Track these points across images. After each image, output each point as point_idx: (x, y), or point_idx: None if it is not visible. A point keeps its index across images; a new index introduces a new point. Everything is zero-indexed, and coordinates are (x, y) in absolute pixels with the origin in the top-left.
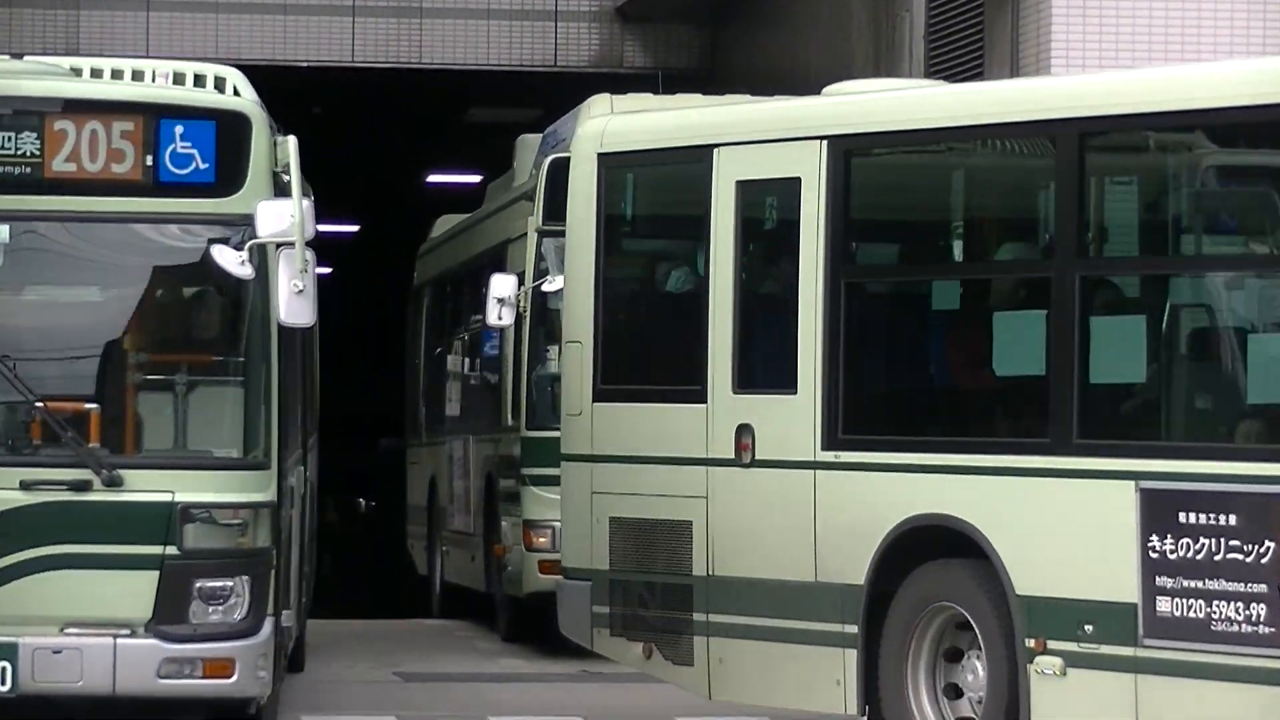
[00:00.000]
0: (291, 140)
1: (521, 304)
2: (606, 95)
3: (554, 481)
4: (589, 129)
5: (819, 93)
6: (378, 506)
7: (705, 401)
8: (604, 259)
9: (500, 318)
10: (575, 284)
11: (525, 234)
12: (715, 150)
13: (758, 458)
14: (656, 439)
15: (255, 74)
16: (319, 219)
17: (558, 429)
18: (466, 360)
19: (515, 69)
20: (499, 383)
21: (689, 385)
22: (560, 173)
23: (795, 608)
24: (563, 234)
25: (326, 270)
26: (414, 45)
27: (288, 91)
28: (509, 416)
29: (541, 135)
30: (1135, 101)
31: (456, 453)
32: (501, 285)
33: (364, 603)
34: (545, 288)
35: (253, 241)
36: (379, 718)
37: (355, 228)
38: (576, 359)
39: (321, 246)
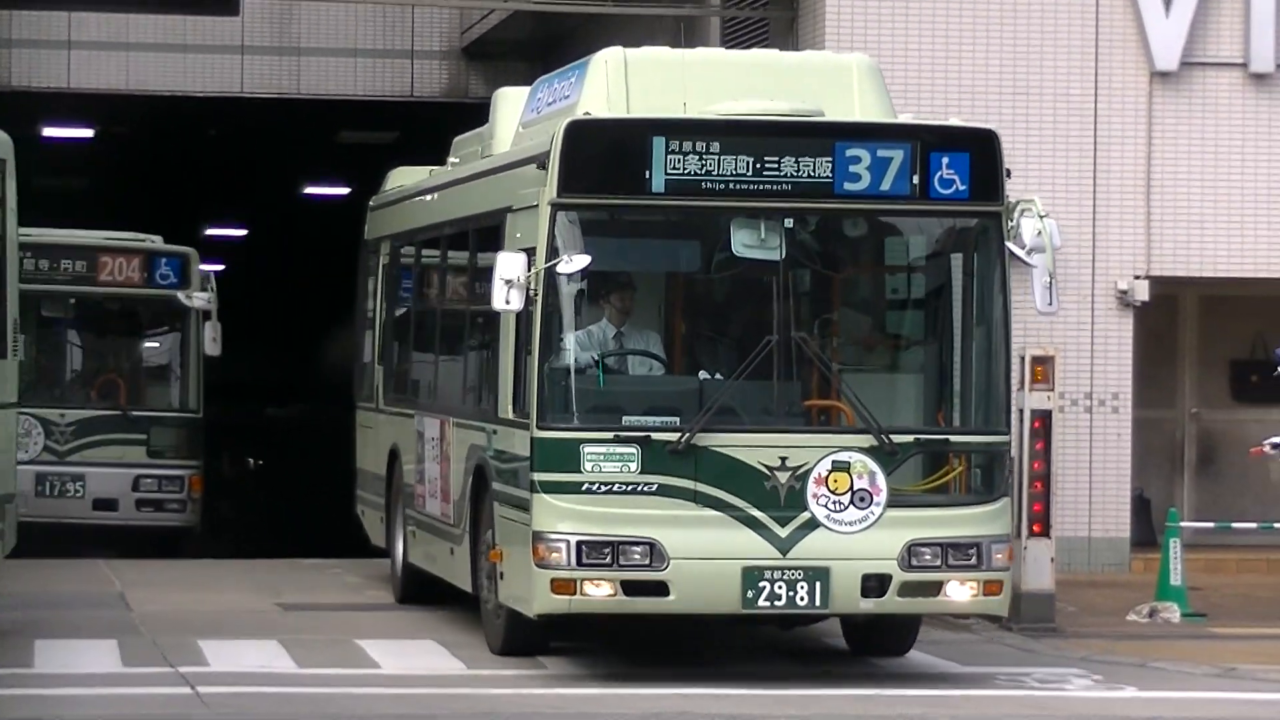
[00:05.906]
0: None
1: (532, 286)
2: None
3: (570, 489)
4: None
5: None
6: (265, 464)
7: None
8: None
9: (508, 301)
10: None
11: (533, 205)
12: None
13: None
14: None
15: (159, 102)
16: None
17: (574, 428)
18: (445, 332)
19: (378, 98)
20: (495, 368)
21: None
22: (580, 138)
23: None
24: (581, 208)
25: (219, 267)
26: (293, 78)
27: (187, 117)
28: (509, 408)
29: (529, 89)
30: None
31: (429, 431)
32: (510, 265)
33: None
34: (561, 269)
35: None
36: (262, 640)
37: (244, 231)
38: None
39: (215, 247)
